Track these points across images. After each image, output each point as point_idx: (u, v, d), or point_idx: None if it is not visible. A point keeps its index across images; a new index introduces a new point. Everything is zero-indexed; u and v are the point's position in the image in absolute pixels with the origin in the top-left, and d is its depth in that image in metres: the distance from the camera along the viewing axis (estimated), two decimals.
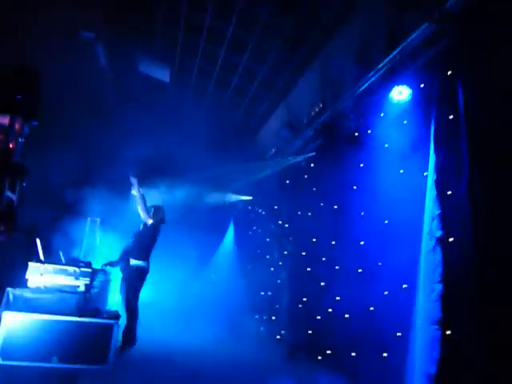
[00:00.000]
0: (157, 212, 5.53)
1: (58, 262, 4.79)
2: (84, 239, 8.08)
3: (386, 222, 4.71)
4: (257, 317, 8.47)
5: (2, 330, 3.82)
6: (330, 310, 5.63)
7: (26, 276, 4.32)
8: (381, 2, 5.44)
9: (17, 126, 4.06)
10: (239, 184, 9.89)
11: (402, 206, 4.34)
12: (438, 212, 3.57)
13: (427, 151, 3.93)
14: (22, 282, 4.30)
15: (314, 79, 7.47)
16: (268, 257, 8.55)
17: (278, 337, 7.19)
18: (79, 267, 4.67)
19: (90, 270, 4.72)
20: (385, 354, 4.30)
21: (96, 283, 5.25)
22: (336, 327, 5.35)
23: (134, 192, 5.53)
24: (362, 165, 5.49)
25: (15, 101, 3.97)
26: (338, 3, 6.10)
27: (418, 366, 3.50)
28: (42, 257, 4.58)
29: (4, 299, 4.04)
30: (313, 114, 6.91)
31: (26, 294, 4.16)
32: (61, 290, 4.40)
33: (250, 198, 10.19)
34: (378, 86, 5.14)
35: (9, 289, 4.09)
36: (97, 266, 5.58)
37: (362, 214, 5.27)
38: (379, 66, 5.05)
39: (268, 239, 8.76)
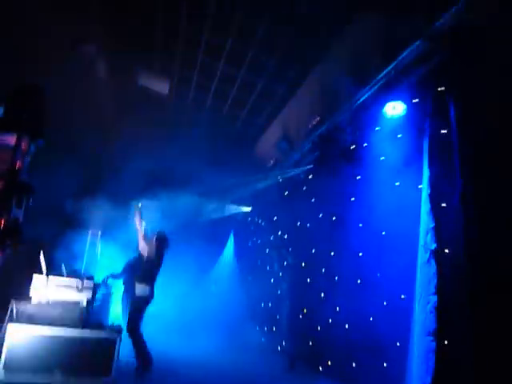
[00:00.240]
0: (159, 240, 5.34)
1: (61, 275, 4.83)
2: (85, 252, 8.11)
3: (384, 233, 4.80)
4: (258, 328, 8.48)
5: (6, 342, 3.86)
6: (330, 320, 5.68)
7: (30, 289, 4.37)
8: (375, 17, 5.58)
9: (23, 145, 4.13)
10: (239, 195, 9.94)
11: (399, 217, 4.44)
12: (432, 225, 3.67)
13: (421, 164, 4.05)
14: (26, 295, 4.35)
15: (311, 92, 7.59)
16: (268, 268, 8.58)
17: (279, 348, 7.21)
18: (82, 280, 4.72)
19: (92, 283, 4.76)
20: (385, 364, 4.35)
21: (98, 296, 5.28)
22: (336, 338, 5.40)
23: (136, 223, 5.41)
24: (358, 177, 5.61)
25: (21, 120, 4.04)
26: (333, 17, 6.25)
27: (415, 376, 3.55)
28: (45, 270, 4.63)
29: (8, 312, 4.08)
30: (310, 126, 7.02)
31: (30, 306, 4.20)
32: (64, 303, 4.44)
33: (250, 209, 10.26)
34: (374, 101, 5.27)
35: (13, 301, 4.14)
36: (98, 278, 5.59)
37: (361, 225, 5.36)
38: (374, 81, 5.19)
39: (268, 250, 8.80)
